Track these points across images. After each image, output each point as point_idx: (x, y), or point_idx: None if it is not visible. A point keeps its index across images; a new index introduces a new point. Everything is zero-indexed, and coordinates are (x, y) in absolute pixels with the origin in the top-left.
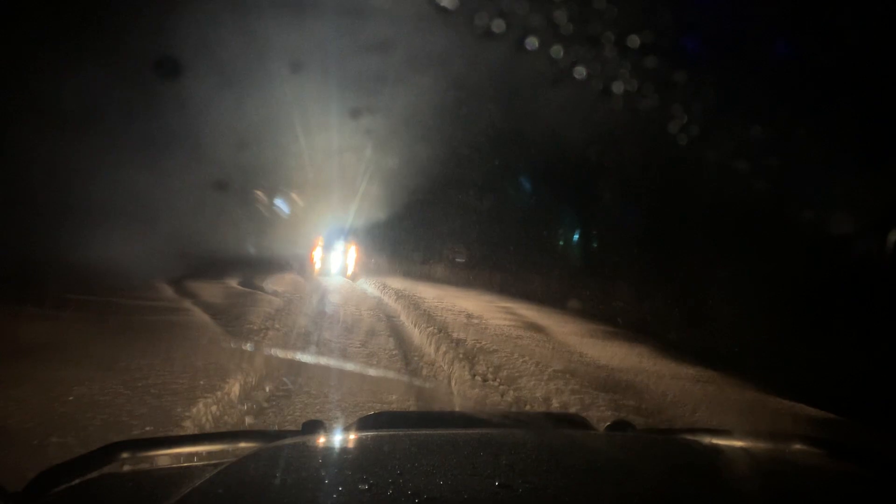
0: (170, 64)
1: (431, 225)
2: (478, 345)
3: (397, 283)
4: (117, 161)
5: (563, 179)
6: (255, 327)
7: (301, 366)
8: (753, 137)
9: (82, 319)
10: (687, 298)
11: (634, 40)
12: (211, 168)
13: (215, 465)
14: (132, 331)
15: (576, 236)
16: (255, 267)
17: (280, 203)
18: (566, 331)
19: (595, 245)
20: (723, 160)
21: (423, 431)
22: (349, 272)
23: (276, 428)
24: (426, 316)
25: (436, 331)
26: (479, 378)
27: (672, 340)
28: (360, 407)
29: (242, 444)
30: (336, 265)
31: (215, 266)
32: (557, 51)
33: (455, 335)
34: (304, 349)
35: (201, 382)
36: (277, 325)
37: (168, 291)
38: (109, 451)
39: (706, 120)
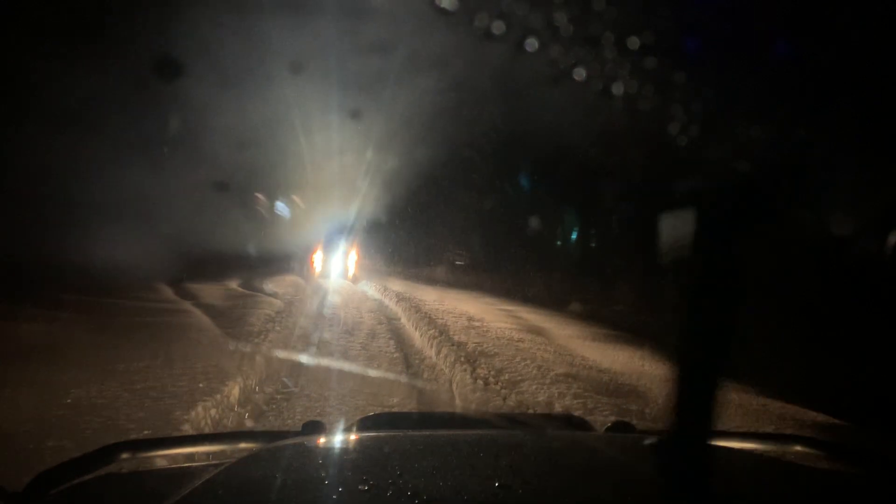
0: (170, 64)
1: (432, 227)
2: (479, 348)
3: (398, 285)
4: (117, 162)
5: (564, 181)
6: (256, 329)
7: (301, 368)
8: (753, 138)
9: (81, 320)
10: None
11: (634, 41)
12: (212, 170)
13: (215, 466)
14: (131, 332)
15: (577, 238)
16: (256, 269)
17: (281, 205)
18: (568, 334)
19: (596, 247)
20: (723, 161)
21: (423, 432)
22: (350, 274)
23: (276, 429)
24: (427, 318)
25: (436, 333)
26: (480, 381)
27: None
28: (361, 410)
29: (242, 445)
30: (337, 267)
31: (215, 267)
32: (557, 52)
33: (456, 338)
34: (304, 351)
35: (201, 385)
36: (278, 328)
37: (168, 293)
38: (110, 452)
39: (706, 120)
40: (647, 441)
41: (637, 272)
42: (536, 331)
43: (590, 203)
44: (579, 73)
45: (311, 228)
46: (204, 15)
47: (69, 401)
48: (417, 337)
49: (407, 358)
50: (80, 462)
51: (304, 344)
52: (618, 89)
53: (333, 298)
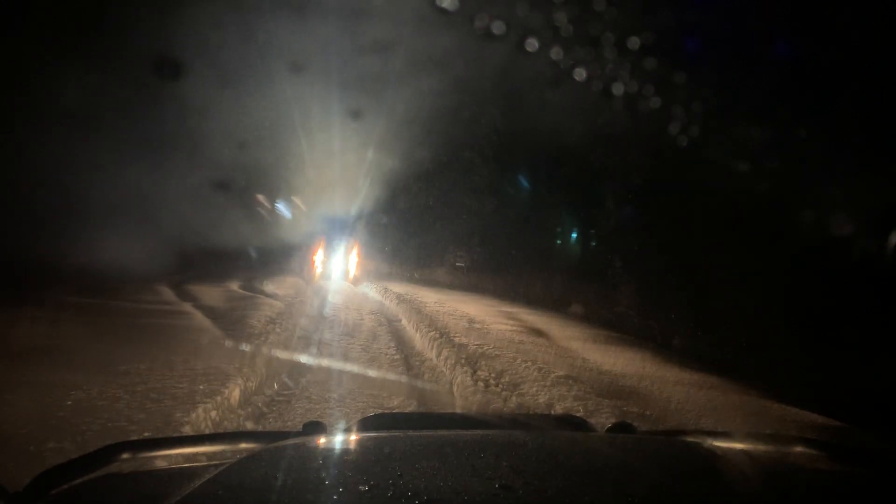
0: (171, 64)
1: (432, 228)
2: (480, 349)
3: (398, 286)
4: (117, 162)
5: (565, 182)
6: (256, 331)
7: (302, 370)
8: (754, 138)
9: (81, 322)
10: (690, 303)
11: (634, 41)
12: (212, 170)
13: (216, 466)
14: (132, 334)
15: (578, 240)
16: (257, 270)
17: (281, 206)
18: (568, 335)
19: (597, 249)
20: (723, 161)
21: (424, 433)
22: (351, 276)
23: (277, 430)
24: (427, 320)
25: (437, 335)
26: (481, 383)
27: (675, 345)
28: (362, 412)
29: (243, 445)
30: (338, 269)
31: (216, 268)
32: (557, 52)
33: (457, 339)
34: (305, 353)
35: (201, 387)
36: (278, 329)
37: (168, 294)
38: (110, 452)
39: (706, 121)
40: (648, 442)
41: (638, 274)
42: (537, 332)
43: (590, 204)
44: (579, 74)
45: (312, 229)
46: (205, 15)
47: (70, 402)
48: (418, 338)
49: (407, 359)
50: (81, 462)
51: (305, 345)
52: (618, 90)
53: (334, 300)
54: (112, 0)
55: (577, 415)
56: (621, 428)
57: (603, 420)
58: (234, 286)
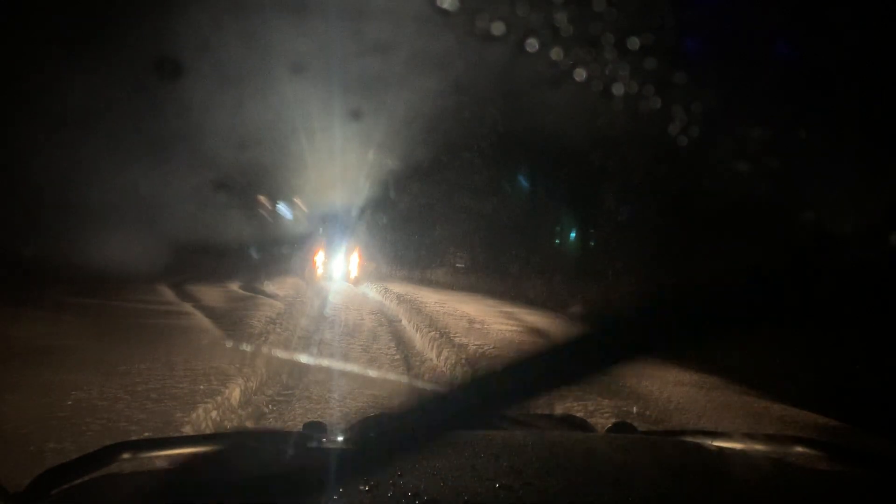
0: (172, 65)
1: (433, 229)
2: (480, 350)
3: (398, 287)
4: (118, 163)
5: (565, 182)
6: (257, 331)
7: (302, 370)
8: (754, 138)
9: (82, 322)
10: (689, 303)
11: (634, 41)
12: (213, 171)
13: (216, 466)
14: (132, 334)
15: (578, 240)
16: (257, 270)
17: (283, 207)
18: (568, 336)
19: (598, 249)
20: (723, 161)
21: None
22: (352, 277)
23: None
24: (428, 320)
25: (437, 335)
26: None
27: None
28: (363, 412)
29: (243, 445)
30: (339, 269)
31: (216, 269)
32: (558, 52)
33: (457, 340)
34: (305, 353)
35: (201, 387)
36: (279, 329)
37: (169, 294)
38: (111, 452)
39: (706, 121)
40: (648, 442)
41: (638, 274)
42: (538, 332)
43: (590, 204)
44: (579, 74)
45: (313, 230)
46: (206, 15)
47: (70, 402)
48: (418, 339)
49: (408, 359)
50: (81, 462)
51: (305, 345)
52: (618, 90)
53: (334, 300)
54: (113, 1)
55: (577, 415)
56: (621, 428)
57: (603, 420)
58: (235, 286)
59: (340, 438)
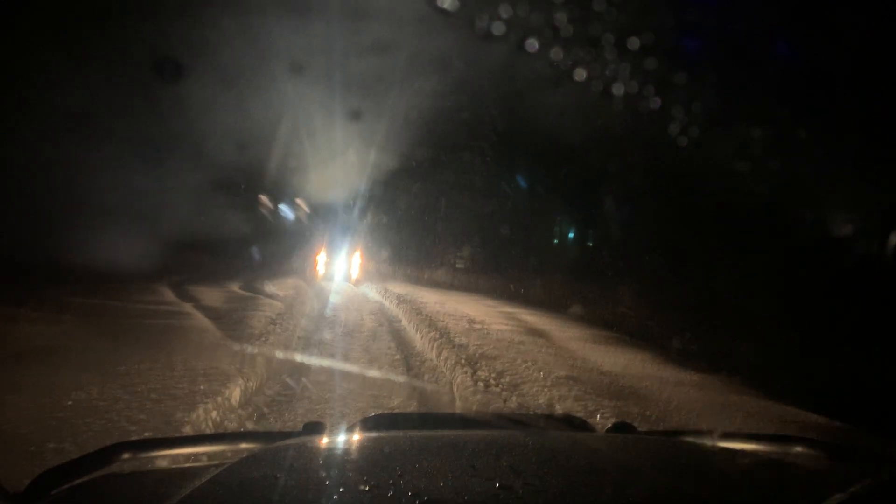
0: (173, 66)
1: (433, 229)
2: (480, 350)
3: (399, 287)
4: (119, 163)
5: (565, 183)
6: (257, 331)
7: (302, 370)
8: (754, 138)
9: (82, 322)
10: (690, 303)
11: (634, 42)
12: (215, 172)
13: (216, 466)
14: (132, 334)
15: (578, 240)
16: (258, 271)
17: (284, 207)
18: (569, 336)
19: (597, 249)
20: (723, 162)
21: (424, 433)
22: (353, 277)
23: (277, 430)
24: (428, 321)
25: (437, 336)
26: (481, 384)
27: (675, 346)
28: (362, 412)
29: (243, 445)
30: (340, 270)
31: (217, 269)
32: (557, 52)
33: (457, 340)
34: (305, 353)
35: (202, 387)
36: (279, 329)
37: (169, 295)
38: (111, 452)
39: (707, 121)
40: (648, 442)
41: (638, 274)
42: (537, 333)
43: (590, 204)
44: (579, 74)
45: (314, 230)
46: (207, 17)
47: (70, 403)
48: (418, 339)
49: (408, 360)
50: (82, 462)
51: (305, 345)
52: (618, 90)
53: (334, 300)
54: (113, 1)
55: (578, 415)
56: (621, 428)
57: (603, 420)
58: (235, 287)
59: (340, 438)
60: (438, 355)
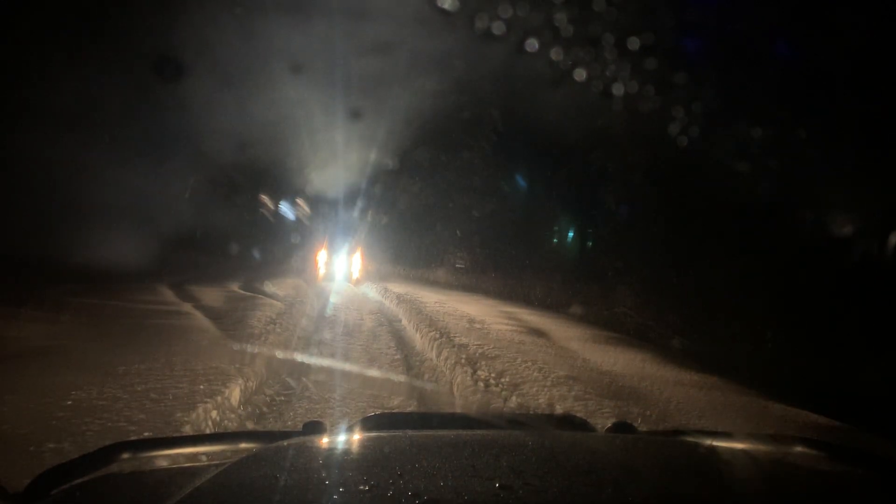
0: (173, 66)
1: (433, 229)
2: (480, 350)
3: (399, 287)
4: (118, 163)
5: (565, 182)
6: (257, 331)
7: (302, 370)
8: (754, 138)
9: (81, 322)
10: (690, 303)
11: (634, 42)
12: (215, 172)
13: (216, 466)
14: (132, 334)
15: (578, 240)
16: (258, 270)
17: (284, 207)
18: (569, 336)
19: (597, 249)
20: (723, 162)
21: (424, 432)
22: (353, 277)
23: (277, 430)
24: (428, 320)
25: (437, 335)
26: (481, 383)
27: (675, 346)
28: (362, 411)
29: (243, 445)
30: (340, 270)
31: (217, 269)
32: (557, 52)
33: (457, 340)
34: (305, 353)
35: (201, 387)
36: (279, 329)
37: (168, 294)
38: (110, 452)
39: (706, 121)
40: (648, 442)
41: (638, 274)
42: (537, 332)
43: (590, 204)
44: (579, 74)
45: (314, 230)
46: (207, 17)
47: (69, 402)
48: (418, 339)
49: (408, 359)
50: (81, 462)
51: (305, 345)
52: (618, 90)
53: (335, 300)
54: (114, 1)
55: (578, 415)
56: (621, 428)
57: (603, 420)
58: (235, 287)
59: (340, 438)
60: (438, 355)
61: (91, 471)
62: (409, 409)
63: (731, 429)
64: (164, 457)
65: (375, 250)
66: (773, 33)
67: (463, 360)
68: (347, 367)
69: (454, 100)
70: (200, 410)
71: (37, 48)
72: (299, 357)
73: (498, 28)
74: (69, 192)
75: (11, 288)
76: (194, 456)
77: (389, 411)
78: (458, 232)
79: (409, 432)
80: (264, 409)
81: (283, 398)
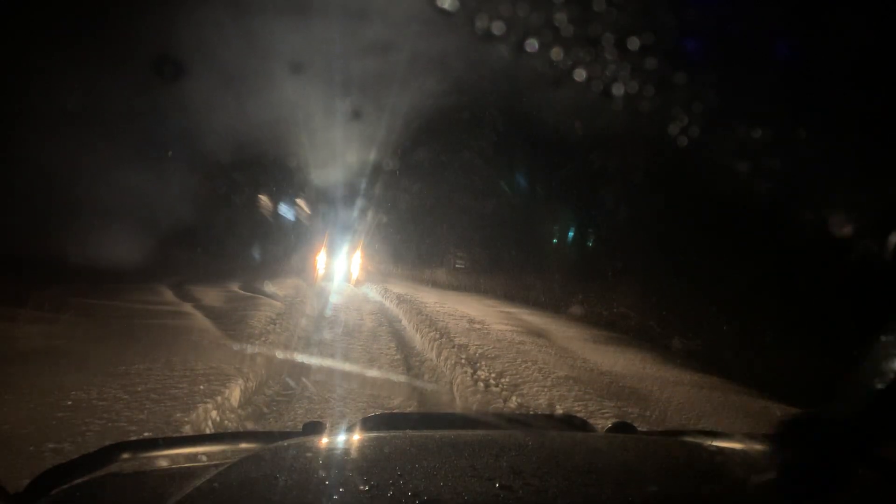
0: (173, 67)
1: (433, 229)
2: (480, 350)
3: (399, 287)
4: (118, 163)
5: (565, 183)
6: (256, 331)
7: (302, 370)
8: (754, 138)
9: (82, 322)
10: (690, 303)
11: (634, 42)
12: (215, 172)
13: (216, 466)
14: (132, 334)
15: (578, 240)
16: (258, 271)
17: (284, 207)
18: (569, 336)
19: (597, 249)
20: (724, 162)
21: (424, 433)
22: (353, 277)
23: (277, 430)
24: (428, 321)
25: (437, 335)
26: (481, 384)
27: (675, 346)
28: (362, 412)
29: (243, 445)
30: (340, 270)
31: (217, 269)
32: (557, 52)
33: (457, 340)
34: (305, 353)
35: (201, 387)
36: (279, 329)
37: (168, 294)
38: (111, 452)
39: (706, 121)
40: (648, 442)
41: (638, 274)
42: (537, 333)
43: (590, 204)
44: (579, 74)
45: (314, 230)
46: (207, 17)
47: (69, 402)
48: (418, 339)
49: (408, 360)
50: (81, 462)
51: (305, 345)
52: (618, 90)
53: (334, 300)
54: (114, 1)
55: (578, 415)
56: (621, 428)
57: (603, 421)
58: (235, 287)
59: (340, 438)
60: (438, 355)
61: (91, 471)
62: (409, 410)
63: (731, 429)
64: (164, 457)
65: (376, 250)
66: (773, 33)
67: (463, 361)
68: (347, 367)
69: (454, 100)
70: (200, 411)
71: (37, 48)
72: (299, 357)
73: (498, 28)
74: (69, 191)
75: (11, 288)
76: (194, 456)
77: (389, 411)
78: (458, 232)
79: (409, 432)
80: (264, 409)
81: (283, 398)
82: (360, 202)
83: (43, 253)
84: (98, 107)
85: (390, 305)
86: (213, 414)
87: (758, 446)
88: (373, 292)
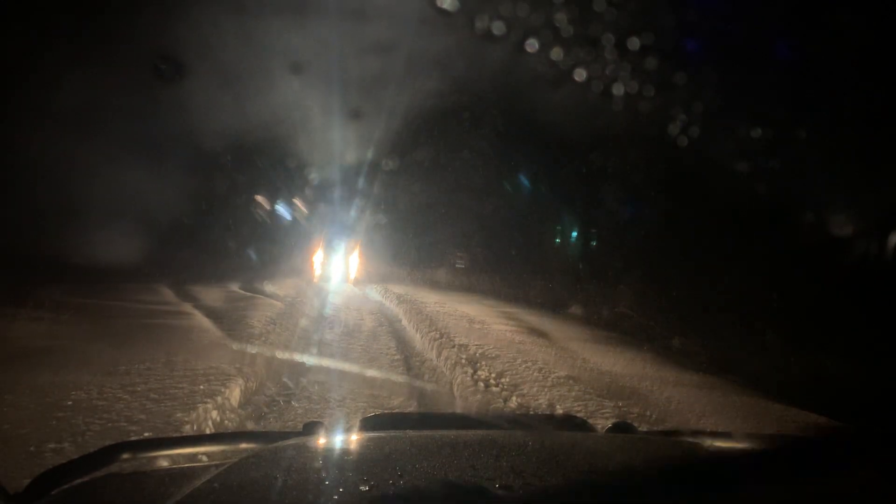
0: (172, 66)
1: (433, 229)
2: (480, 350)
3: (399, 287)
4: (118, 164)
5: (565, 183)
6: (257, 331)
7: (302, 370)
8: (754, 138)
9: (82, 322)
10: (690, 303)
11: (634, 42)
12: (214, 171)
13: (216, 467)
14: (132, 334)
15: (578, 240)
16: (257, 271)
17: (281, 207)
18: (569, 336)
19: (597, 249)
20: (724, 162)
21: (424, 433)
22: (351, 277)
23: (277, 430)
24: (428, 321)
25: (437, 335)
26: (481, 383)
27: (675, 346)
28: (362, 412)
29: (243, 445)
30: (338, 270)
31: (216, 269)
32: (558, 52)
33: (457, 340)
34: (305, 353)
35: (201, 387)
36: (278, 329)
37: (168, 294)
38: (110, 452)
39: (707, 121)
40: (648, 442)
41: (638, 274)
42: (537, 333)
43: (590, 205)
44: (580, 74)
45: (313, 230)
46: (207, 15)
47: (70, 402)
48: (418, 339)
49: (408, 360)
50: (82, 463)
51: (305, 345)
52: (618, 90)
53: (334, 300)
54: (113, 1)
55: (578, 415)
56: (621, 428)
57: (603, 421)
58: (235, 287)
59: (340, 438)
60: (438, 355)
61: (91, 471)
62: (409, 410)
63: (731, 429)
64: (164, 457)
65: (375, 250)
66: (773, 33)
67: (463, 361)
68: (347, 367)
69: (454, 99)
70: (201, 410)
71: (37, 48)
72: (299, 357)
73: (498, 28)
74: (69, 191)
75: (12, 287)
76: (194, 456)
77: (389, 411)
78: (458, 232)
79: (409, 432)
80: (264, 409)
81: (283, 398)
82: (359, 201)
83: (43, 252)
84: (98, 106)
85: (390, 305)
86: (214, 414)
87: (758, 446)
88: (372, 292)
